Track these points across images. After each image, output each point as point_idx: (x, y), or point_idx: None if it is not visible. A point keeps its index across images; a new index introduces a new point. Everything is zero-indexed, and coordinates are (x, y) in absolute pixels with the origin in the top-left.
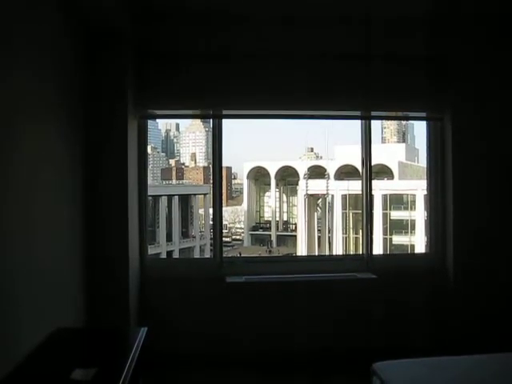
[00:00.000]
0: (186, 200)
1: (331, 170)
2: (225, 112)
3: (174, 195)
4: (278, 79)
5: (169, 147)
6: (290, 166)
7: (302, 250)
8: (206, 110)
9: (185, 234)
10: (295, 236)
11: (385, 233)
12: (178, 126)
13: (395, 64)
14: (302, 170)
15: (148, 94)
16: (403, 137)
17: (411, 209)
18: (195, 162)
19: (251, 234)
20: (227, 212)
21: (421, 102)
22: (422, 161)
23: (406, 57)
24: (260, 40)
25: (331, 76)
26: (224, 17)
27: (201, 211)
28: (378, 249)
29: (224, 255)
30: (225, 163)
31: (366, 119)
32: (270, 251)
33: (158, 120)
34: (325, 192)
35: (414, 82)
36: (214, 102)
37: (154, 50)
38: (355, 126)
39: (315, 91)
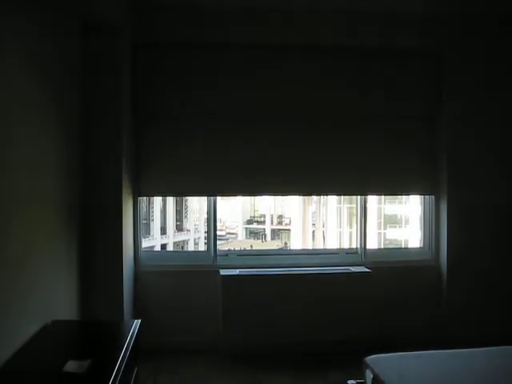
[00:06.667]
0: None
1: None
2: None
3: None
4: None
5: None
6: None
7: (296, 243)
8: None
9: (179, 228)
10: (289, 230)
11: (379, 227)
12: None
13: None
14: None
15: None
16: None
17: (406, 204)
18: None
19: (246, 228)
20: (222, 205)
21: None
22: None
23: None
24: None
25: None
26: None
27: (195, 205)
28: (372, 243)
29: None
30: None
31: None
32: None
33: None
34: None
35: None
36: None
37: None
38: None
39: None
